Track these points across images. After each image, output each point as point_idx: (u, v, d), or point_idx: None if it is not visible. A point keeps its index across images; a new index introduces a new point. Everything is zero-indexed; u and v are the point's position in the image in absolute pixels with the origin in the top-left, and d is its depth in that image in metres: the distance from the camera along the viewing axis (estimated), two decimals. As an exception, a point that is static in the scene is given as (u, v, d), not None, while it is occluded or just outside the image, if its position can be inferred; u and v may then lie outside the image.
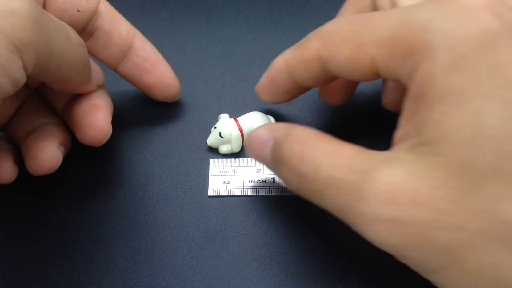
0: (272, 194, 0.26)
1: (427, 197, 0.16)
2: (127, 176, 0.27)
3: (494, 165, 0.16)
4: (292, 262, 0.24)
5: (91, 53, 0.26)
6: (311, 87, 0.25)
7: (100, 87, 0.26)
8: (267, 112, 0.28)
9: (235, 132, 0.27)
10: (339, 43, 0.20)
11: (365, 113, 0.29)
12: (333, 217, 0.20)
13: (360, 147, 0.19)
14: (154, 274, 0.24)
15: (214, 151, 0.28)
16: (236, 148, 0.27)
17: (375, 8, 0.24)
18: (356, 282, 0.24)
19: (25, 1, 0.18)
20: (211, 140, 0.27)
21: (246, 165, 0.27)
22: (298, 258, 0.24)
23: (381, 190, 0.17)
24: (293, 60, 0.23)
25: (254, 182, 0.27)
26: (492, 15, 0.17)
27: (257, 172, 0.27)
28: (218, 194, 0.26)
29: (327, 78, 0.23)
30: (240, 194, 0.26)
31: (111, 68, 0.27)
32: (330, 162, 0.19)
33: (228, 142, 0.27)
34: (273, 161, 0.22)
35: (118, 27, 0.25)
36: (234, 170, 0.27)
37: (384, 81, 0.25)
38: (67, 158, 0.25)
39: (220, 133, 0.27)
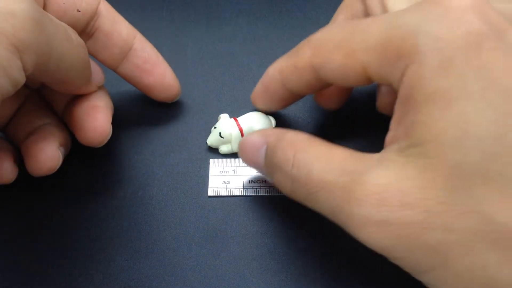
0: (272, 194, 0.26)
1: (416, 198, 0.17)
2: (127, 176, 0.27)
3: (480, 166, 0.16)
4: (292, 262, 0.24)
5: (91, 54, 0.26)
6: (306, 94, 0.25)
7: (100, 88, 0.26)
8: (267, 112, 0.28)
9: (235, 132, 0.27)
10: (330, 50, 0.21)
11: (364, 113, 0.29)
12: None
13: (351, 150, 0.20)
14: (154, 274, 0.24)
15: (214, 151, 0.28)
16: (236, 148, 0.27)
17: (367, 13, 0.25)
18: (356, 282, 0.24)
19: (25, 2, 0.18)
20: (211, 140, 0.27)
21: (246, 165, 0.27)
22: (298, 258, 0.24)
23: (371, 192, 0.17)
24: (286, 68, 0.23)
25: (254, 182, 0.27)
26: (478, 17, 0.17)
27: (257, 172, 0.27)
28: (218, 194, 0.26)
29: (320, 85, 0.23)
30: (240, 194, 0.26)
31: (111, 69, 0.27)
32: (321, 166, 0.19)
33: (228, 142, 0.27)
34: (267, 166, 0.22)
35: (118, 28, 0.25)
36: (234, 170, 0.27)
37: (378, 85, 0.25)
38: (67, 158, 0.25)
39: (220, 133, 0.27)
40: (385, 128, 0.20)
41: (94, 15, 0.25)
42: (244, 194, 0.26)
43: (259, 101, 0.26)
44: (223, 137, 0.27)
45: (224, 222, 0.25)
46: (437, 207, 0.16)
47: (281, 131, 0.22)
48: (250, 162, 0.24)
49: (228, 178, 0.27)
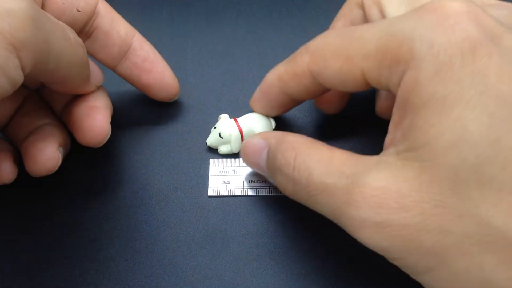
0: (272, 194, 0.26)
1: (413, 201, 0.17)
2: (127, 176, 0.27)
3: (475, 170, 0.16)
4: (292, 262, 0.24)
5: (90, 54, 0.26)
6: (305, 99, 0.25)
7: (99, 88, 0.26)
8: (267, 114, 0.28)
9: (235, 133, 0.27)
10: (328, 57, 0.21)
11: (364, 113, 0.29)
12: (332, 217, 0.20)
13: (351, 152, 0.20)
14: (154, 274, 0.24)
15: (214, 151, 0.28)
16: (236, 148, 0.27)
17: (366, 19, 0.25)
18: (356, 282, 0.23)
19: (23, 0, 0.18)
20: (211, 140, 0.27)
21: (246, 165, 0.27)
22: (298, 258, 0.24)
23: (369, 195, 0.18)
24: (285, 74, 0.24)
25: (254, 182, 0.26)
26: (473, 23, 0.17)
27: (257, 172, 0.27)
28: (218, 194, 0.26)
29: (320, 91, 0.24)
30: (240, 194, 0.26)
31: (110, 68, 0.27)
32: (321, 169, 0.20)
33: (228, 142, 0.27)
34: (269, 168, 0.23)
35: (116, 27, 0.26)
36: (234, 170, 0.27)
37: (377, 90, 0.25)
38: (66, 159, 0.25)
39: (219, 133, 0.27)
40: (384, 129, 0.20)
41: (92, 14, 0.25)
42: (244, 194, 0.26)
43: (258, 107, 0.27)
44: (222, 138, 0.27)
45: (224, 222, 0.25)
46: (433, 210, 0.17)
47: (281, 133, 0.23)
48: (252, 165, 0.25)
49: (228, 178, 0.27)
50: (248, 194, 0.26)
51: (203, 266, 0.24)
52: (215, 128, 0.27)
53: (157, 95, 0.28)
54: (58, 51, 0.20)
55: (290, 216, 0.25)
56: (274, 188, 0.26)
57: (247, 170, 0.27)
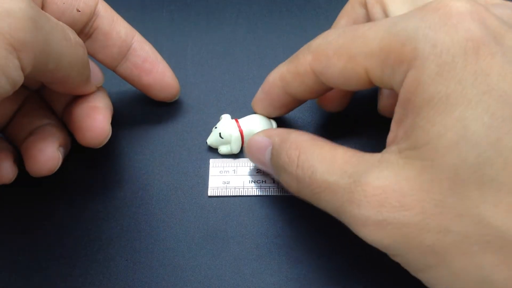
0: (272, 194, 0.26)
1: (413, 200, 0.17)
2: (127, 176, 0.27)
3: (476, 170, 0.16)
4: (292, 262, 0.24)
5: (90, 54, 0.26)
6: (307, 99, 0.25)
7: (99, 88, 0.26)
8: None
9: (235, 134, 0.27)
10: (330, 56, 0.21)
11: (366, 111, 0.29)
12: (333, 217, 0.20)
13: (354, 150, 0.20)
14: (154, 274, 0.24)
15: (214, 151, 0.28)
16: (236, 149, 0.27)
17: (368, 18, 0.25)
18: (356, 282, 0.23)
19: (23, 1, 0.18)
20: (211, 139, 0.27)
21: (246, 165, 0.27)
22: (298, 258, 0.24)
23: (370, 194, 0.18)
24: (287, 74, 0.24)
25: (254, 182, 0.26)
26: (476, 22, 0.17)
27: (257, 172, 0.27)
28: (218, 194, 0.26)
29: (322, 90, 0.24)
30: (240, 194, 0.26)
31: (110, 68, 0.27)
32: (324, 167, 0.20)
33: (228, 143, 0.27)
34: (273, 166, 0.23)
35: (116, 27, 0.26)
36: (234, 170, 0.27)
37: (380, 88, 0.25)
38: (67, 159, 0.25)
39: (220, 133, 0.27)
40: (386, 128, 0.20)
41: (92, 15, 0.25)
42: (244, 194, 0.26)
43: (260, 108, 0.27)
44: (223, 138, 0.27)
45: (224, 222, 0.25)
46: (433, 209, 0.17)
47: (285, 131, 0.23)
48: (257, 162, 0.25)
49: (228, 178, 0.27)
50: (248, 194, 0.26)
51: (203, 266, 0.24)
52: (216, 128, 0.27)
53: (157, 95, 0.28)
54: (58, 51, 0.20)
55: (290, 216, 0.25)
56: (274, 188, 0.26)
57: (247, 170, 0.27)
